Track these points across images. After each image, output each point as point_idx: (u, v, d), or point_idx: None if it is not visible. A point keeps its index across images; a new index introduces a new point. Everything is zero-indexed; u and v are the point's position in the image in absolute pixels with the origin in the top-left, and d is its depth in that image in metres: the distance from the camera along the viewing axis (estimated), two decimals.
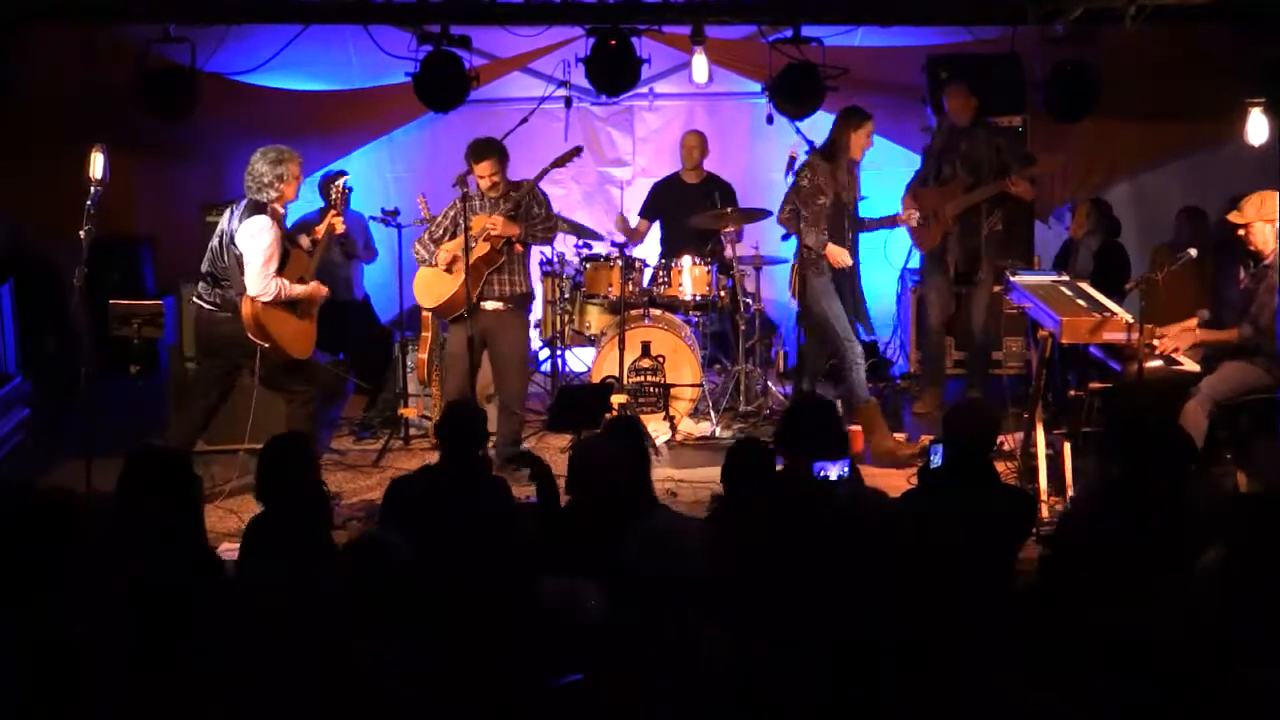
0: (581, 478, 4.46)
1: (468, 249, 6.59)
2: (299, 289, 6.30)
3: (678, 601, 3.20)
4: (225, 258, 6.21)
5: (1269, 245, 6.26)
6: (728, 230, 8.07)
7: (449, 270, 6.87)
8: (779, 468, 4.72)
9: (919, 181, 7.98)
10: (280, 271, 6.21)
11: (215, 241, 6.29)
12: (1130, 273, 8.43)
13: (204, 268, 6.31)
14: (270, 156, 6.20)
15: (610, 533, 4.14)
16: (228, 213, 6.31)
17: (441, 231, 6.97)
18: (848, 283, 7.53)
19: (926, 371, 8.22)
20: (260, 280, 6.14)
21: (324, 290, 6.50)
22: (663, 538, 3.36)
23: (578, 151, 7.12)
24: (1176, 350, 6.35)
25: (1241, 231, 6.34)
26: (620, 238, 8.37)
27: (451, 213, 6.92)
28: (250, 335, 6.16)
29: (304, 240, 6.57)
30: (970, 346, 8.11)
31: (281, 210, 6.31)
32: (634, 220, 8.83)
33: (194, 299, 6.37)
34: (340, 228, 6.71)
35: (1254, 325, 6.26)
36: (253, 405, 6.32)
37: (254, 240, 6.14)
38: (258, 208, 6.18)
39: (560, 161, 7.01)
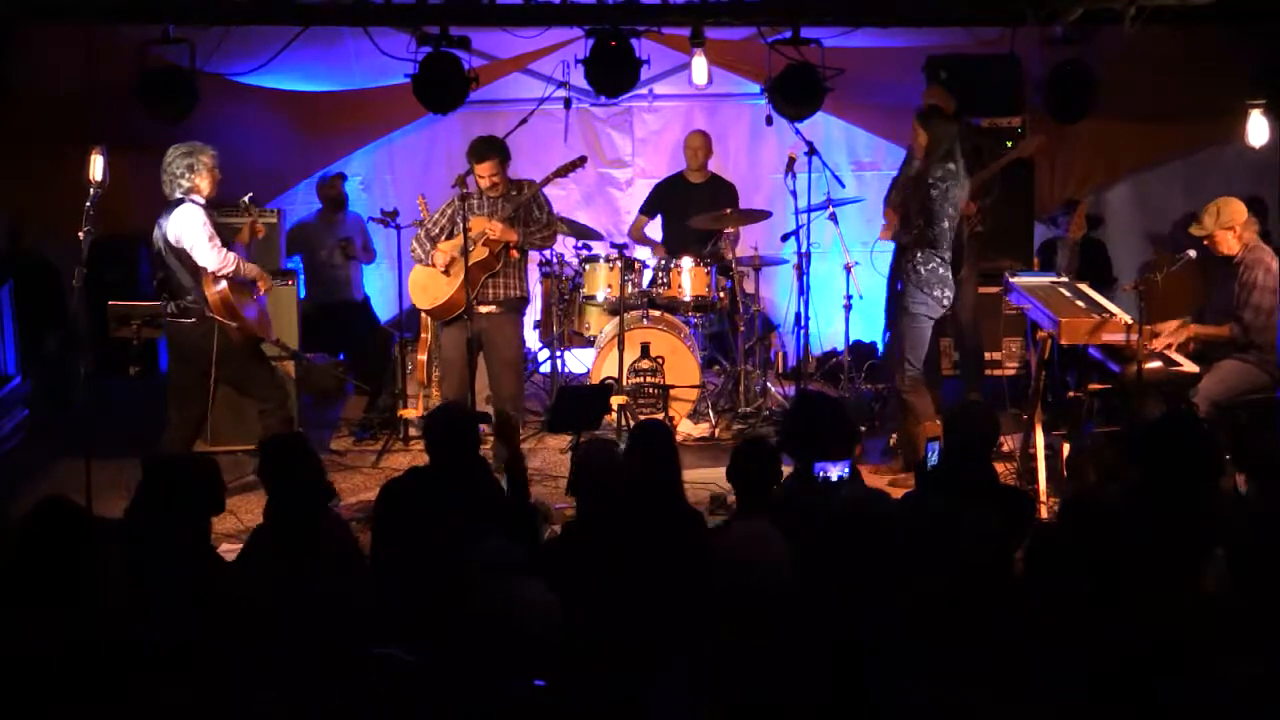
0: (586, 485, 4.36)
1: (467, 251, 6.56)
2: (252, 267, 6.38)
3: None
4: (170, 260, 6.23)
5: (1234, 249, 6.41)
6: (728, 231, 8.06)
7: (446, 272, 6.85)
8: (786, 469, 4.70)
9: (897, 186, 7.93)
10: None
11: (155, 252, 6.31)
12: (1111, 268, 8.47)
13: (156, 287, 6.35)
14: (180, 150, 6.29)
15: (623, 543, 4.11)
16: (155, 228, 6.31)
17: (438, 230, 6.91)
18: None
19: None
20: (214, 254, 6.21)
21: (269, 279, 6.56)
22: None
23: (581, 162, 7.08)
24: (1170, 347, 6.38)
25: (1207, 242, 6.46)
26: (621, 240, 8.35)
27: (449, 210, 6.86)
28: (219, 317, 6.19)
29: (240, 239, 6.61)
30: (961, 348, 8.11)
31: (202, 202, 6.31)
32: (632, 218, 8.82)
33: (162, 317, 6.40)
34: (261, 232, 6.76)
35: (1239, 322, 6.37)
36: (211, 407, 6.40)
37: (189, 223, 6.20)
38: (178, 203, 6.25)
39: (563, 171, 6.97)
